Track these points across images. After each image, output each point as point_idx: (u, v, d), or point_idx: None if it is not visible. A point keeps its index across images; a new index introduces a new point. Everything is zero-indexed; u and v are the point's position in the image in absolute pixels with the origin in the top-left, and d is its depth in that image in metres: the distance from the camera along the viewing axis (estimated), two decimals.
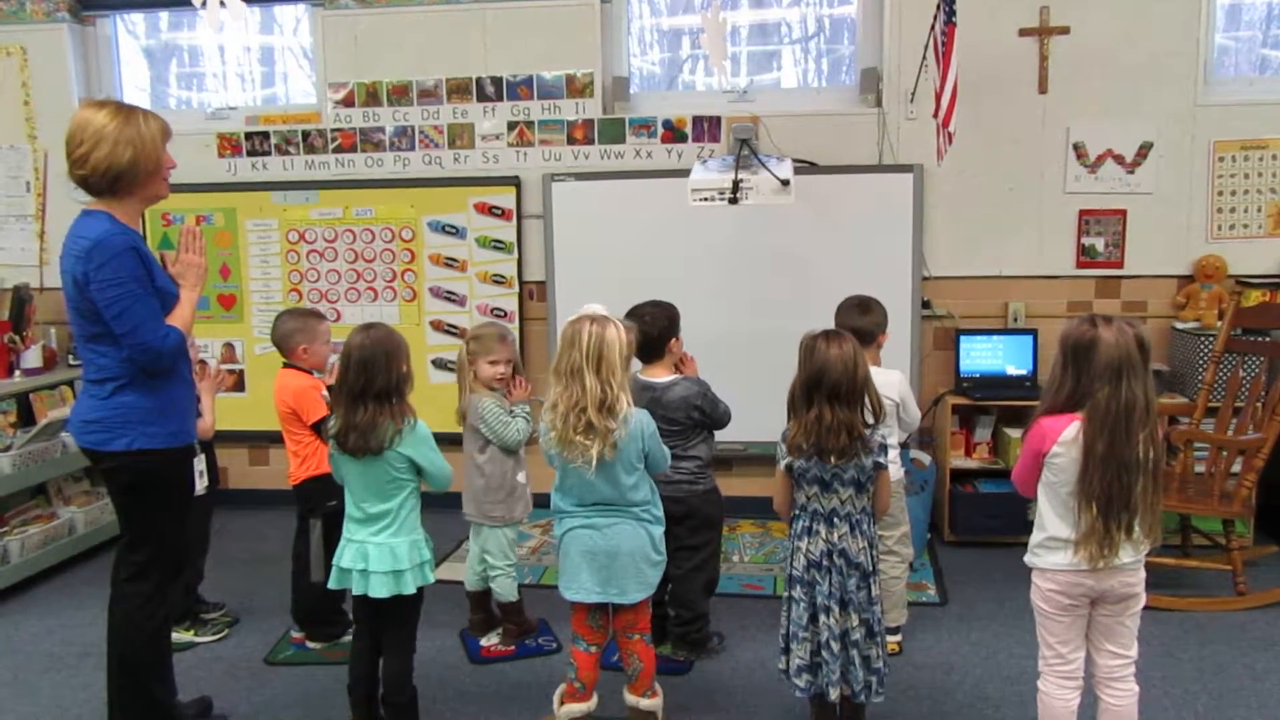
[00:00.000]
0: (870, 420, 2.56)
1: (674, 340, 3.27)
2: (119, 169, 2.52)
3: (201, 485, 2.81)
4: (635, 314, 3.18)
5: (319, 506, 3.34)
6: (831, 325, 2.97)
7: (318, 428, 3.30)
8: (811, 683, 2.59)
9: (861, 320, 3.23)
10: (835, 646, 2.55)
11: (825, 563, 2.57)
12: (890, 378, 3.19)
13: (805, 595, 2.58)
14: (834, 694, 2.55)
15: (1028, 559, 2.45)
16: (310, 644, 3.49)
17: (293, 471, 3.41)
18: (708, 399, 3.23)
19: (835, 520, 2.58)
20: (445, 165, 4.88)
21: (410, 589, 2.68)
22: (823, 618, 2.56)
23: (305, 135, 4.95)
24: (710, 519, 3.32)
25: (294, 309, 3.75)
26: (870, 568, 2.59)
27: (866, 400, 2.56)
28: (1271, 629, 3.46)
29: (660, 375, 3.23)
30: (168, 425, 2.62)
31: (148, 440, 2.58)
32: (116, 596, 2.70)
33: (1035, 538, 2.43)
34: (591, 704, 2.78)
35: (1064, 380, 2.31)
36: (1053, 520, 2.37)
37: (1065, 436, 2.30)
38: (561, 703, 2.79)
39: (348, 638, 3.36)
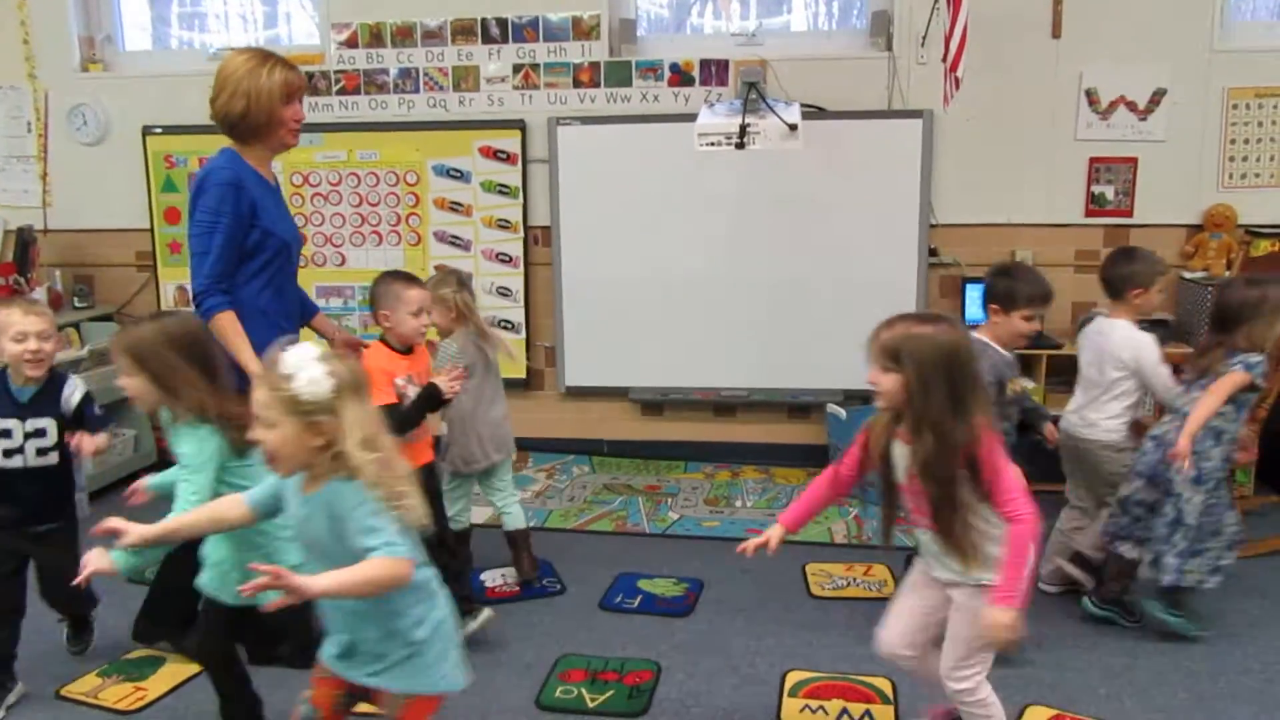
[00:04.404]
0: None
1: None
2: (233, 118, 2.70)
3: None
4: None
5: None
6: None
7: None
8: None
9: (1110, 270, 3.23)
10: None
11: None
12: (1136, 339, 3.15)
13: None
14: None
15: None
16: None
17: None
18: None
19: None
20: (450, 108, 4.83)
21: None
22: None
23: (309, 77, 4.90)
24: None
25: (389, 271, 3.17)
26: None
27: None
28: (1268, 577, 3.50)
29: None
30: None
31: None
32: None
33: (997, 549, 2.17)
34: None
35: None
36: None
37: None
38: None
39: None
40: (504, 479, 3.46)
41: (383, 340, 3.00)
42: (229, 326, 2.64)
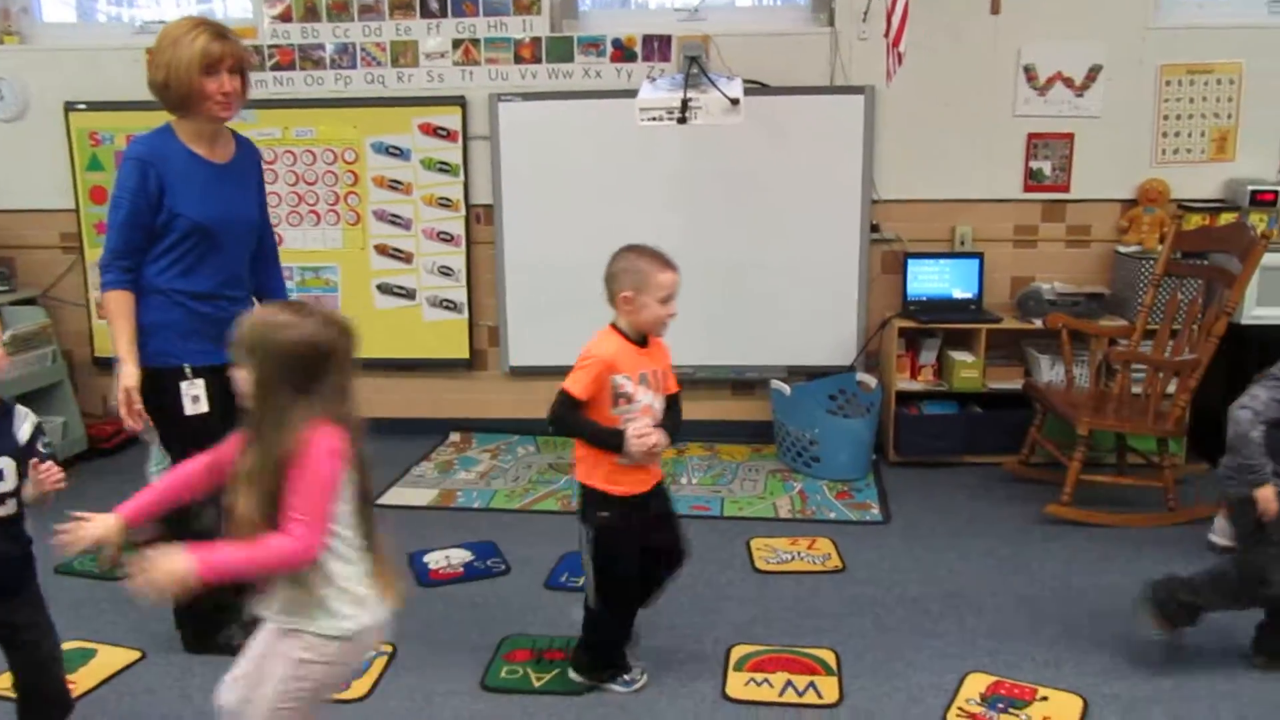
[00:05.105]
0: None
1: None
2: (156, 88, 2.66)
3: (195, 409, 2.72)
4: None
5: (589, 515, 2.62)
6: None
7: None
8: None
9: None
10: None
11: None
12: None
13: None
14: None
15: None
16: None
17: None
18: None
19: None
20: (388, 84, 4.73)
21: None
22: None
23: None
24: None
25: (636, 245, 2.61)
26: None
27: None
28: (1199, 542, 3.57)
29: None
30: (149, 344, 2.67)
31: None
32: None
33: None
34: None
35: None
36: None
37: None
38: None
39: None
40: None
41: (614, 326, 2.56)
42: (114, 306, 2.65)
